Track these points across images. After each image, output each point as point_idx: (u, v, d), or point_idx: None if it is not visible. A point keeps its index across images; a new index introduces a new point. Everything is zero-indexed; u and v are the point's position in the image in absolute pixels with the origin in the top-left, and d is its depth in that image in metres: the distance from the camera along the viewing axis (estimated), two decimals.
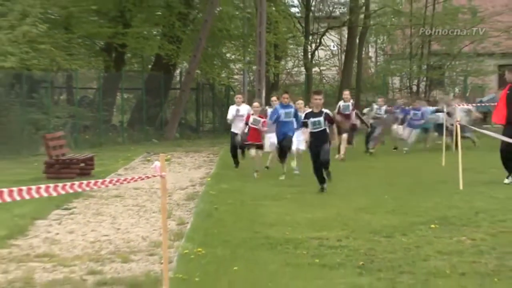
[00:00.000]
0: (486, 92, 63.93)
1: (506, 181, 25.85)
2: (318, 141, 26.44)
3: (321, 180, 26.08)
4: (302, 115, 30.41)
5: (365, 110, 44.30)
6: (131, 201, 25.97)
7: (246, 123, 32.81)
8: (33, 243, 19.12)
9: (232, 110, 36.64)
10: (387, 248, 16.82)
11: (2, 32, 39.63)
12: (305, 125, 26.83)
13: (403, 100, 46.43)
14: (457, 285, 14.41)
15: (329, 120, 26.65)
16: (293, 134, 32.30)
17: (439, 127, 38.20)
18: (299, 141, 32.24)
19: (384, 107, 42.47)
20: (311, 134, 26.59)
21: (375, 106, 42.42)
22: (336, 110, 39.24)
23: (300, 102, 35.29)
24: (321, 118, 26.22)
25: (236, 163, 36.24)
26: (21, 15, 41.63)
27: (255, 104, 33.64)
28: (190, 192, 27.68)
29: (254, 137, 32.26)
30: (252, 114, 33.15)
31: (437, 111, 40.32)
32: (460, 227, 20.00)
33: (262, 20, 50.20)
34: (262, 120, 32.15)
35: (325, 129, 26.44)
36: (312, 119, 26.24)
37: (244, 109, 36.21)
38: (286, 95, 32.89)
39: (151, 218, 22.47)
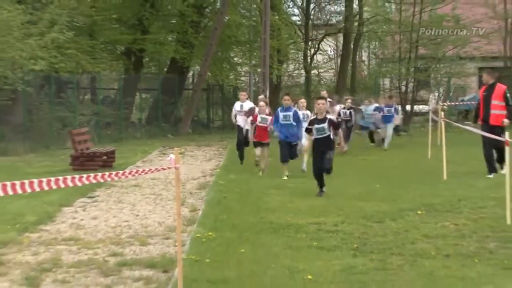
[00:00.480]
0: (467, 92, 63.93)
1: (489, 175, 25.84)
2: (322, 147, 23.94)
3: (321, 184, 23.53)
4: (303, 113, 30.25)
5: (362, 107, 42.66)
6: (148, 190, 26.04)
7: (253, 123, 30.57)
8: (60, 228, 19.19)
9: (236, 106, 35.09)
10: (379, 232, 16.88)
11: (33, 38, 39.61)
12: (309, 132, 24.70)
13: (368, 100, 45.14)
14: (441, 265, 14.48)
15: (333, 125, 24.19)
16: (296, 139, 29.55)
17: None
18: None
19: (371, 106, 41.51)
20: (316, 140, 24.17)
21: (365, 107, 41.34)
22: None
23: (303, 101, 33.18)
24: (325, 125, 23.66)
25: (241, 158, 34.28)
26: (49, 23, 41.56)
27: (262, 103, 30.88)
28: (201, 182, 27.72)
29: (261, 135, 30.06)
30: (259, 113, 30.64)
31: (376, 109, 39.96)
32: (444, 213, 20.08)
33: (266, 27, 50.22)
34: (270, 118, 30.03)
35: (329, 135, 23.90)
36: (316, 126, 23.80)
37: (247, 105, 34.57)
38: (287, 97, 30.12)
39: (167, 205, 22.53)
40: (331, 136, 24.31)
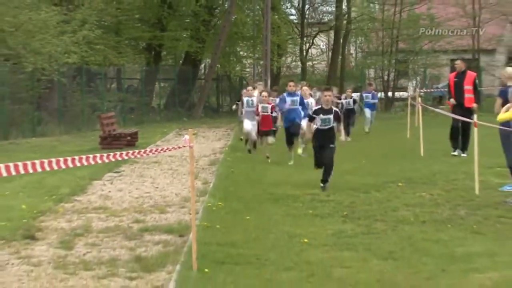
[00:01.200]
0: (441, 80, 63.84)
1: (454, 153, 25.79)
2: (324, 139, 20.31)
3: (324, 178, 19.54)
4: (306, 101, 27.89)
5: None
6: (166, 166, 26.04)
7: (258, 114, 27.70)
8: (90, 199, 19.20)
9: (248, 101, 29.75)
10: (365, 202, 16.86)
11: (67, 35, 39.61)
12: (311, 119, 20.97)
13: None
14: (419, 230, 14.49)
15: (338, 118, 20.62)
16: (301, 120, 26.57)
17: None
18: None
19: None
20: (318, 131, 20.49)
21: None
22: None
23: (305, 89, 30.11)
24: (331, 116, 20.27)
25: (249, 151, 29.97)
26: (81, 22, 41.61)
27: (264, 93, 28.16)
28: (212, 159, 27.70)
29: (266, 124, 27.18)
30: (261, 103, 28.00)
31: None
32: (421, 185, 20.12)
33: (268, 25, 50.12)
34: (270, 105, 27.35)
35: (332, 127, 20.38)
36: (322, 116, 20.27)
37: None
38: (291, 83, 27.87)
39: (182, 179, 22.54)
40: (334, 130, 20.66)
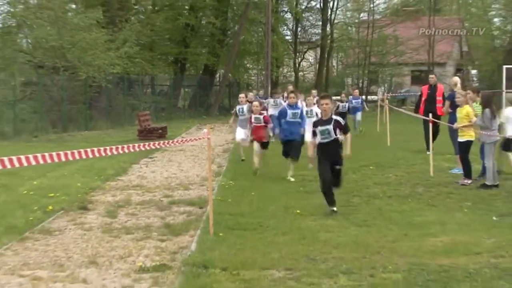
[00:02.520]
0: (403, 86, 63.92)
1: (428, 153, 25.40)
2: (328, 155, 14.41)
3: (330, 202, 14.01)
4: (310, 109, 21.83)
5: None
6: (189, 153, 25.94)
7: (249, 124, 21.25)
8: (130, 178, 19.18)
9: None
10: (344, 181, 16.72)
11: (112, 51, 39.72)
12: (314, 134, 15.35)
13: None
14: (386, 203, 14.49)
15: (340, 128, 14.73)
16: (300, 138, 20.06)
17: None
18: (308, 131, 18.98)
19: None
20: (320, 146, 14.94)
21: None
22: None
23: (310, 98, 23.46)
24: (330, 127, 14.58)
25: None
26: (123, 41, 41.63)
27: (255, 103, 21.20)
28: (225, 147, 27.61)
29: (259, 135, 20.28)
30: (253, 113, 21.03)
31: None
32: (388, 168, 20.12)
33: (268, 44, 49.98)
34: (262, 116, 20.50)
35: (336, 140, 14.67)
36: (320, 128, 14.71)
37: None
38: (292, 95, 20.62)
39: (202, 163, 22.48)
40: (340, 142, 14.81)
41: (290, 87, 30.29)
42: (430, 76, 25.80)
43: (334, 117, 14.35)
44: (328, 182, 13.66)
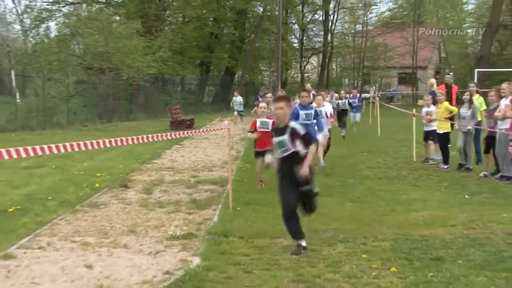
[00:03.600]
0: (391, 86, 63.76)
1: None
2: (289, 171, 8.94)
3: (295, 234, 8.92)
4: (320, 109, 16.72)
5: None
6: (213, 140, 25.94)
7: (254, 130, 14.41)
8: (163, 162, 19.18)
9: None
10: (341, 165, 16.73)
11: (149, 55, 39.79)
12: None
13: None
14: (376, 184, 14.44)
15: (300, 138, 9.06)
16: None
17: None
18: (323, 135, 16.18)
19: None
20: (280, 161, 9.29)
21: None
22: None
23: (319, 98, 17.89)
24: (285, 137, 9.04)
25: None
26: (158, 47, 41.69)
27: (262, 105, 14.97)
28: (242, 136, 27.49)
29: (265, 143, 13.44)
30: (259, 117, 14.83)
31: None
32: (378, 154, 20.02)
33: (279, 50, 49.90)
34: (271, 121, 14.01)
35: (296, 153, 9.00)
36: (274, 139, 9.35)
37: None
38: (305, 93, 15.91)
39: (223, 149, 22.45)
40: (301, 154, 9.09)
41: (308, 85, 28.74)
42: (446, 76, 24.12)
43: (291, 124, 9.14)
44: (291, 207, 8.82)
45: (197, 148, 23.74)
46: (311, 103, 16.03)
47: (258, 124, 14.24)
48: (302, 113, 15.05)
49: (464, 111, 16.31)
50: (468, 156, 16.26)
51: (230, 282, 7.39)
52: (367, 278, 7.49)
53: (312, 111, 15.32)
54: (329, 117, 17.24)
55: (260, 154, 13.80)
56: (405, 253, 8.44)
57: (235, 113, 33.72)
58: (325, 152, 17.34)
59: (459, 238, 9.22)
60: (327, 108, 17.15)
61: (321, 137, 15.42)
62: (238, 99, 34.27)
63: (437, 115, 17.62)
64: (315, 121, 15.42)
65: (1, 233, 9.82)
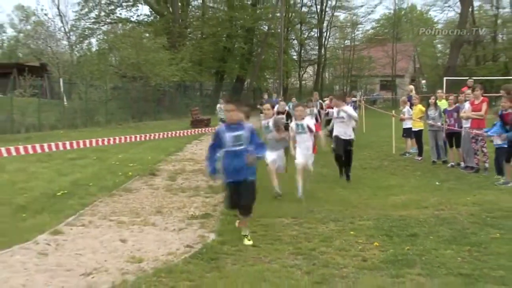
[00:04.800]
0: (374, 91, 63.55)
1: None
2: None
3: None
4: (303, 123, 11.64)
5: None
6: None
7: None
8: (185, 154, 19.14)
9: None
10: (332, 157, 16.67)
11: (173, 66, 39.81)
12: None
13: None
14: (362, 172, 14.46)
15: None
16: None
17: None
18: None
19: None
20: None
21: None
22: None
23: (300, 109, 11.79)
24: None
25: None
26: (180, 59, 41.67)
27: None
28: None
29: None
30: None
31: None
32: (364, 148, 19.80)
33: (281, 61, 49.87)
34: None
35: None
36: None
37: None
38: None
39: None
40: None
41: (316, 94, 24.72)
42: (469, 80, 22.57)
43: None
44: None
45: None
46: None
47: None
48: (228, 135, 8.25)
49: (432, 112, 16.28)
50: (442, 149, 16.21)
51: (240, 254, 7.42)
52: (354, 251, 7.51)
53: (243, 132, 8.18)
54: (311, 130, 11.19)
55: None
56: (385, 230, 8.44)
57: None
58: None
59: (430, 218, 9.19)
60: (308, 121, 11.36)
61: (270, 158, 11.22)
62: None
63: (413, 116, 17.65)
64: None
65: (51, 213, 9.87)
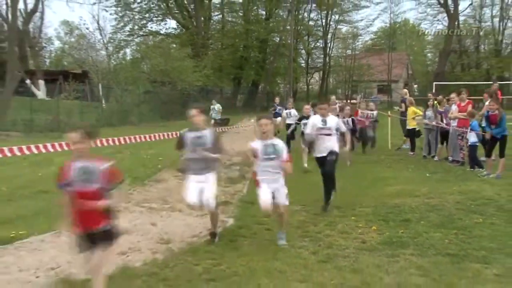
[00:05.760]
0: (372, 94, 63.16)
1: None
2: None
3: None
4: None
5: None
6: (242, 134, 25.58)
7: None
8: None
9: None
10: None
11: (197, 73, 39.80)
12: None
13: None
14: (362, 166, 14.31)
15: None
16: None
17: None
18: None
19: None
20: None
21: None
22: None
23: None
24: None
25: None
26: (203, 66, 41.68)
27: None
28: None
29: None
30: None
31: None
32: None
33: (291, 68, 49.65)
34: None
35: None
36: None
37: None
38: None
39: (249, 140, 22.39)
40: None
41: (333, 98, 22.09)
42: (494, 84, 21.30)
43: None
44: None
45: (231, 139, 23.68)
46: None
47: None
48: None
49: (430, 113, 16.18)
50: (432, 146, 16.13)
51: (255, 236, 7.43)
52: (355, 234, 7.50)
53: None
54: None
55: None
56: (382, 216, 8.42)
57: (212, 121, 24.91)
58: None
59: (421, 205, 9.17)
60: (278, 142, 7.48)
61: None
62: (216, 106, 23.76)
63: (407, 117, 17.56)
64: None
65: None
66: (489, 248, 6.79)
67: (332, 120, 9.32)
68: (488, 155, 12.60)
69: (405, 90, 21.60)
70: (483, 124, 13.05)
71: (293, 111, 17.44)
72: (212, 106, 20.30)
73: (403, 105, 19.11)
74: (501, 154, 12.32)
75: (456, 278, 5.70)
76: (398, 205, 9.17)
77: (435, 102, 16.38)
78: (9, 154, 7.59)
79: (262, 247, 6.88)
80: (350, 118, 15.98)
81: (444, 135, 15.37)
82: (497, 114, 12.22)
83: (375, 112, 18.34)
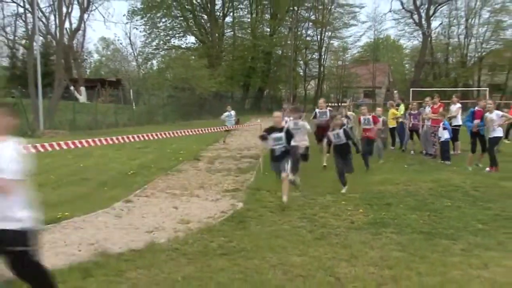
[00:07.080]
0: (359, 98, 62.80)
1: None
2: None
3: None
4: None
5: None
6: (251, 132, 25.70)
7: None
8: (218, 145, 19.15)
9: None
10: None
11: (212, 80, 39.76)
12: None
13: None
14: (359, 160, 14.20)
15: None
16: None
17: None
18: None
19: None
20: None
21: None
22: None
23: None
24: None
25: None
26: (218, 74, 41.68)
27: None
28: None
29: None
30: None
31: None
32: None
33: (291, 76, 49.57)
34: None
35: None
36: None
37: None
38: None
39: (258, 133, 22.34)
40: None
41: (321, 101, 18.81)
42: (483, 100, 20.40)
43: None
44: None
45: (241, 136, 23.71)
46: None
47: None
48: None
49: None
50: (404, 141, 16.15)
51: (261, 218, 7.42)
52: (345, 216, 7.48)
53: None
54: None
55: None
56: (368, 201, 8.40)
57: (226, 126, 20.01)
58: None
59: (400, 191, 9.14)
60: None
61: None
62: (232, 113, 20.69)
63: (388, 116, 17.45)
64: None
65: (124, 186, 9.95)
66: (456, 227, 6.83)
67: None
68: (473, 150, 12.48)
69: (396, 93, 21.44)
70: (454, 123, 13.13)
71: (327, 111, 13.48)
72: (228, 113, 18.24)
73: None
74: (484, 149, 12.19)
75: (429, 252, 5.73)
76: (381, 192, 9.15)
77: (402, 104, 16.58)
78: (57, 148, 7.62)
79: (267, 227, 6.89)
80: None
81: (413, 132, 15.65)
82: (482, 110, 12.20)
83: (382, 118, 14.51)
